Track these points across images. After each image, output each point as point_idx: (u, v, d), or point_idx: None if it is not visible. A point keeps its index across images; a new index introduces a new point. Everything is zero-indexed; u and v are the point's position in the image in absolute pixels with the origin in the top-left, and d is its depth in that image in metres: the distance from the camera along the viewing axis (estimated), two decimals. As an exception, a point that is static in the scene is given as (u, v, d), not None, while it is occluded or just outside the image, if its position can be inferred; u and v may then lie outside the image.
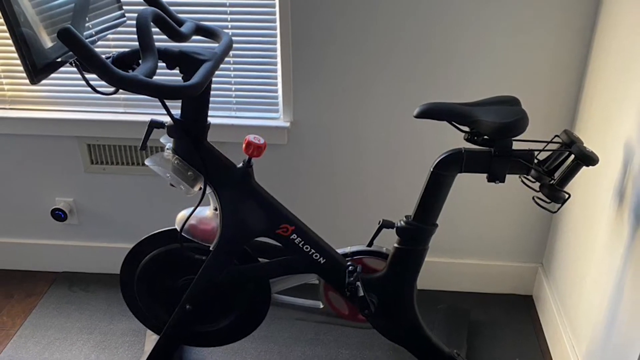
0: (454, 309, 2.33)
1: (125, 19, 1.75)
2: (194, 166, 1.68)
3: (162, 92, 1.34)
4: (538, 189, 1.64)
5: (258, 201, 1.75)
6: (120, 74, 1.29)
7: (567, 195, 1.60)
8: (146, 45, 1.36)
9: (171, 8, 1.71)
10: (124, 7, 1.76)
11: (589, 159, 1.55)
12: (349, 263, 1.82)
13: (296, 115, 2.20)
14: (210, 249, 1.79)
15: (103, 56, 1.31)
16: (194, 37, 1.69)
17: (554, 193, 1.60)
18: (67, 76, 2.24)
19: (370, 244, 1.88)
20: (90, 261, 2.55)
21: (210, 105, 1.68)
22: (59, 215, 2.45)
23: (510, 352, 2.15)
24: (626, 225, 1.59)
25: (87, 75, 1.47)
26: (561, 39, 2.00)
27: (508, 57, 2.05)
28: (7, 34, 1.30)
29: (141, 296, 1.97)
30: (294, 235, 1.78)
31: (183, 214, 1.83)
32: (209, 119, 1.69)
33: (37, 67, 1.35)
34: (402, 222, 1.78)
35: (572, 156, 1.58)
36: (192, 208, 1.77)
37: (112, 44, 2.17)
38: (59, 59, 1.43)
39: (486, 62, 2.06)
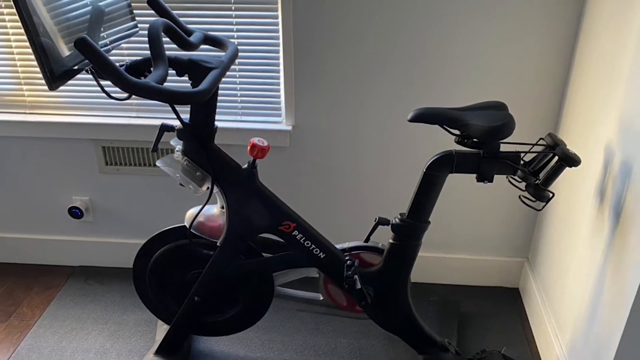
0: (445, 301, 2.33)
1: (137, 29, 1.75)
2: (202, 167, 1.68)
3: (173, 98, 1.34)
4: (524, 189, 1.64)
5: (262, 200, 1.75)
6: (133, 80, 1.29)
7: (551, 194, 1.60)
8: (157, 53, 1.36)
9: (181, 19, 1.71)
10: (137, 18, 1.76)
11: (572, 160, 1.55)
12: (347, 258, 1.82)
13: (298, 119, 2.20)
14: (218, 244, 1.79)
15: (117, 64, 1.32)
16: (202, 46, 1.69)
17: (539, 192, 1.60)
18: (83, 83, 2.24)
19: (367, 240, 1.88)
20: (105, 256, 2.55)
21: (217, 110, 1.68)
22: (75, 213, 2.45)
23: (498, 341, 2.15)
24: (606, 222, 1.59)
25: (102, 82, 1.47)
26: (546, 47, 2.00)
27: (496, 65, 2.04)
28: (27, 44, 1.30)
29: (152, 289, 1.97)
30: (296, 231, 1.78)
31: (192, 212, 1.83)
32: (216, 123, 1.69)
33: (55, 75, 1.35)
34: (397, 220, 1.78)
35: (556, 158, 1.58)
36: (200, 206, 1.77)
37: (125, 53, 2.17)
38: (76, 67, 1.43)
39: (475, 70, 2.06)
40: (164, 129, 1.68)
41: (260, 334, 2.18)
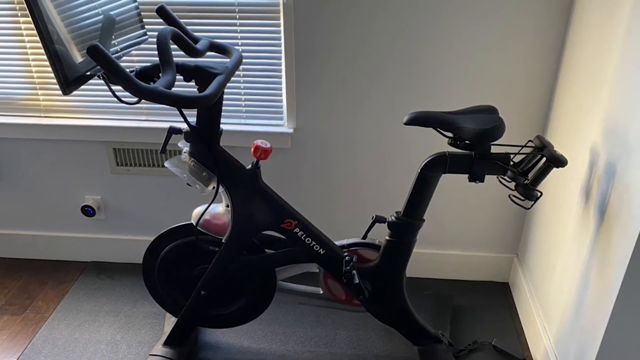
0: (438, 295, 2.33)
1: (147, 37, 1.75)
2: (208, 168, 1.68)
3: (180, 102, 1.34)
4: (514, 188, 1.64)
5: (265, 199, 1.74)
6: (142, 85, 1.29)
7: (539, 194, 1.60)
8: (165, 60, 1.36)
9: (188, 27, 1.71)
10: (146, 26, 1.76)
11: (559, 161, 1.55)
12: (345, 254, 1.82)
13: (299, 122, 2.20)
14: (223, 241, 1.79)
15: (127, 70, 1.32)
16: (208, 53, 1.69)
17: (528, 191, 1.60)
18: (96, 88, 2.24)
19: (364, 237, 1.88)
20: (116, 252, 2.55)
21: (222, 113, 1.67)
22: (88, 211, 2.45)
23: (488, 332, 2.15)
24: (592, 220, 1.59)
25: (113, 87, 1.47)
26: (534, 54, 2.00)
27: (487, 71, 2.04)
28: (42, 50, 1.30)
29: (161, 283, 1.97)
30: (297, 229, 1.77)
31: (198, 210, 1.83)
32: (222, 126, 1.69)
33: (69, 80, 1.35)
34: (393, 218, 1.78)
35: (544, 159, 1.58)
36: (206, 205, 1.77)
37: (135, 59, 2.17)
38: (88, 73, 1.43)
39: (467, 75, 2.06)
40: (172, 131, 1.68)
41: (263, 326, 2.18)
